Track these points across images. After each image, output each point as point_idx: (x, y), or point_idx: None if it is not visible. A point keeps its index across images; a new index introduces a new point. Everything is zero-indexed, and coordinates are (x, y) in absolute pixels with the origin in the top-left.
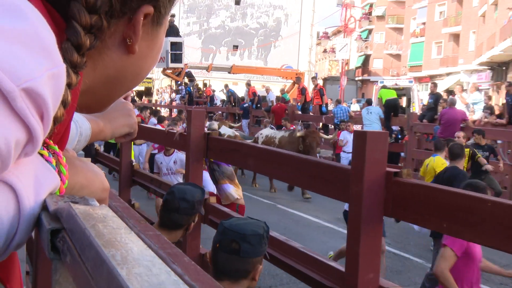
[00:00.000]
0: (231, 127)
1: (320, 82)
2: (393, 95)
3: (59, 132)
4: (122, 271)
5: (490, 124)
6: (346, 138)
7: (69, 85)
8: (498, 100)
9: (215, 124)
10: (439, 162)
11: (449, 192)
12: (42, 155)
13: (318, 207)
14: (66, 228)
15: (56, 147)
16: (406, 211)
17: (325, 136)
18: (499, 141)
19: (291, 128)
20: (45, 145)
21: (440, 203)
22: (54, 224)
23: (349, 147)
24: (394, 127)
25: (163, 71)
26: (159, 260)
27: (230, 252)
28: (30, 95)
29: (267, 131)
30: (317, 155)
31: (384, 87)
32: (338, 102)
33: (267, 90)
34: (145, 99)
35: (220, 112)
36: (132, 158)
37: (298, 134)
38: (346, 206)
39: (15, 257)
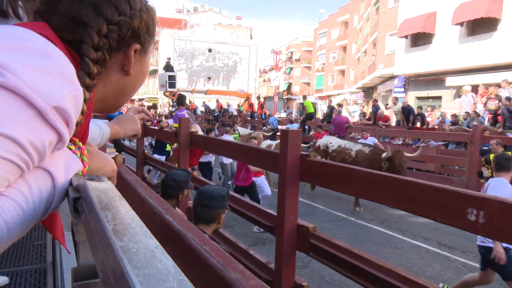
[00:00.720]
0: (264, 135)
1: (261, 99)
2: (312, 108)
3: (81, 131)
4: (109, 226)
5: (363, 124)
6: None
7: (84, 100)
8: (368, 110)
9: (258, 133)
10: None
11: (336, 165)
12: (70, 149)
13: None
14: (82, 196)
15: (80, 143)
16: (313, 178)
17: (409, 155)
18: (368, 134)
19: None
20: (73, 142)
21: (332, 172)
22: (75, 194)
23: None
24: (306, 127)
25: (164, 93)
26: (138, 217)
27: (204, 206)
28: (58, 110)
29: (337, 141)
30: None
31: (304, 97)
32: (269, 115)
33: (228, 105)
34: (152, 111)
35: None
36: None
37: (386, 155)
38: (478, 241)
39: (57, 214)
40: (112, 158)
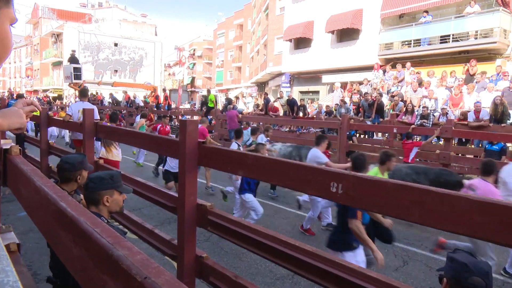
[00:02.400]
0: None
1: (167, 92)
2: (213, 102)
3: None
4: None
5: (257, 114)
6: None
7: None
8: (261, 102)
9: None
10: None
11: (228, 151)
12: None
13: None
14: None
15: None
16: (209, 162)
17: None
18: (261, 123)
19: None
20: None
21: (225, 157)
22: None
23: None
24: (209, 117)
25: (69, 84)
26: None
27: (85, 189)
28: None
29: None
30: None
31: (209, 91)
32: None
33: (135, 96)
34: (58, 102)
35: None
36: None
37: None
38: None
39: None
40: (7, 149)
